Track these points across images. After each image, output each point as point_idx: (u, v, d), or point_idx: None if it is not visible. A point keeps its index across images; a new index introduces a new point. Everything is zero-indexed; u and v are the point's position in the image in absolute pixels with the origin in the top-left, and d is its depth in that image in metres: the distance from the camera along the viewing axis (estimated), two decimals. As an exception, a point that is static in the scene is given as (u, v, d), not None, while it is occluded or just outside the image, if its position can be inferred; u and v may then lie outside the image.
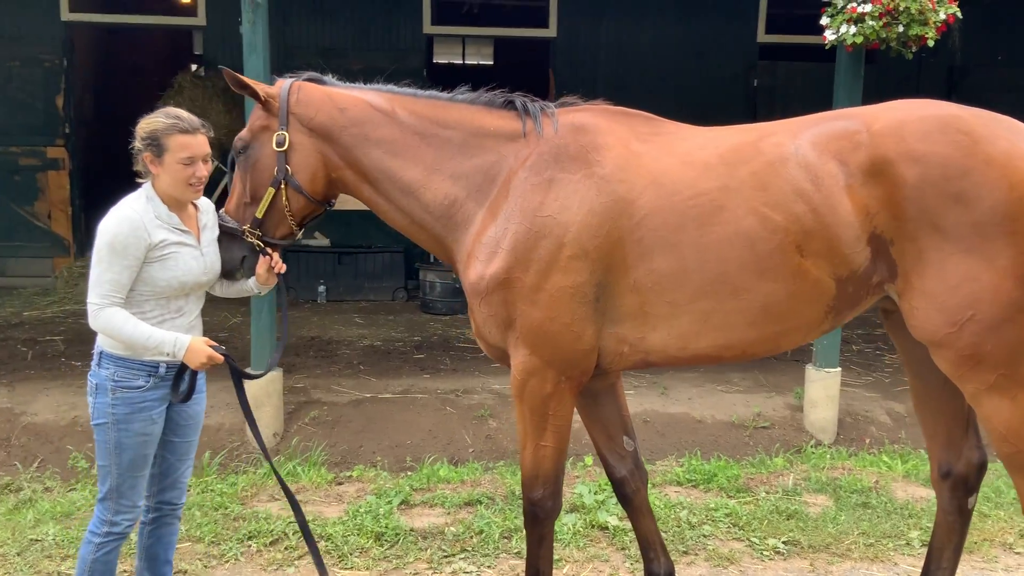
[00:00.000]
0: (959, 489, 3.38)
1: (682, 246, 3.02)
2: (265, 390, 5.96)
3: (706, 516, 4.86)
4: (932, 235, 2.83)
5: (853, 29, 5.17)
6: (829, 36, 5.34)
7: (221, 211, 3.35)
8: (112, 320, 3.16)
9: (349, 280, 10.16)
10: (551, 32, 10.91)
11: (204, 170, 3.25)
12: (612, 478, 3.63)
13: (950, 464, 3.36)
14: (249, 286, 3.51)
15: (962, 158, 2.81)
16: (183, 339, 3.24)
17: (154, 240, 3.19)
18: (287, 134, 3.25)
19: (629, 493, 3.60)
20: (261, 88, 3.30)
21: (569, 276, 3.08)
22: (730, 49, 10.92)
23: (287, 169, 3.25)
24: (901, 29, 5.07)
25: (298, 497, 5.06)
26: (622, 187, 3.07)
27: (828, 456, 5.90)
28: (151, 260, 3.21)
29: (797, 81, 10.69)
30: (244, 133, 3.34)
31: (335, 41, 10.58)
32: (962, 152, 2.81)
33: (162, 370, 3.32)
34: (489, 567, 4.33)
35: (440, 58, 16.08)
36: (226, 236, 3.35)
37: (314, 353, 7.83)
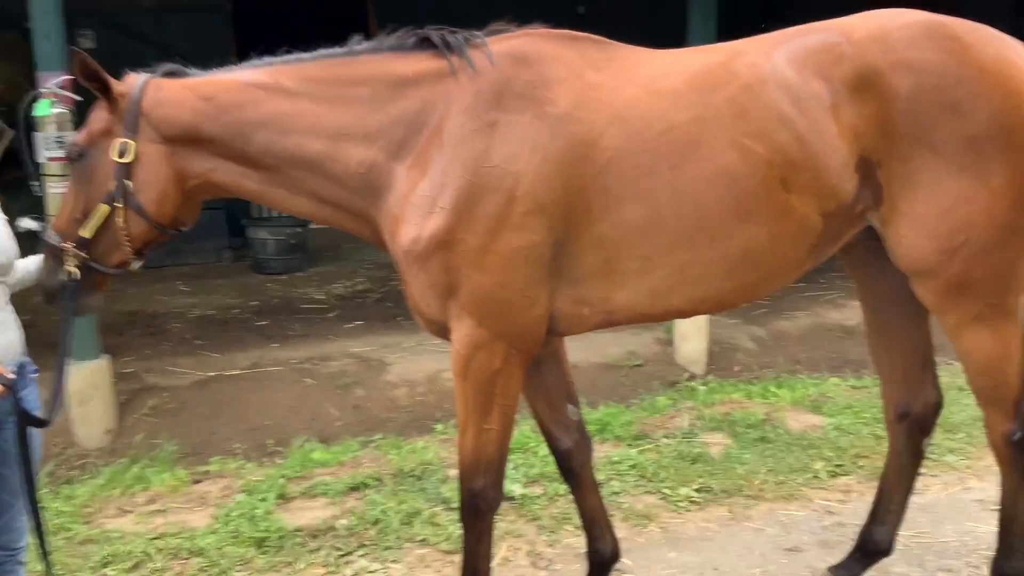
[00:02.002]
0: (915, 430, 3.22)
1: (655, 191, 2.62)
2: (90, 381, 5.14)
3: (612, 471, 4.57)
4: (924, 153, 2.56)
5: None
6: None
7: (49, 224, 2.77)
8: None
9: (165, 242, 9.13)
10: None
11: None
12: (556, 451, 3.24)
13: (908, 405, 3.19)
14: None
15: (956, 65, 2.55)
16: None
17: None
18: (132, 143, 2.67)
19: (576, 467, 3.23)
20: (114, 85, 2.69)
21: (523, 235, 2.63)
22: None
23: (127, 185, 2.68)
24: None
25: (154, 506, 4.40)
26: (581, 127, 2.63)
27: (712, 391, 5.77)
28: None
29: (625, 5, 10.44)
30: (81, 137, 2.74)
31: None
32: (955, 59, 2.56)
33: None
34: (395, 561, 3.86)
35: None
36: (49, 254, 2.80)
37: (139, 330, 6.93)
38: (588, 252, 2.72)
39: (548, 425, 3.23)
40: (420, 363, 6.22)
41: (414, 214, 2.68)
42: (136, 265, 2.84)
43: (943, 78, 2.55)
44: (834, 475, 4.51)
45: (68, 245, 2.71)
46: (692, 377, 6.32)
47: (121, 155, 2.66)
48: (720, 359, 6.53)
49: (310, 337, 6.79)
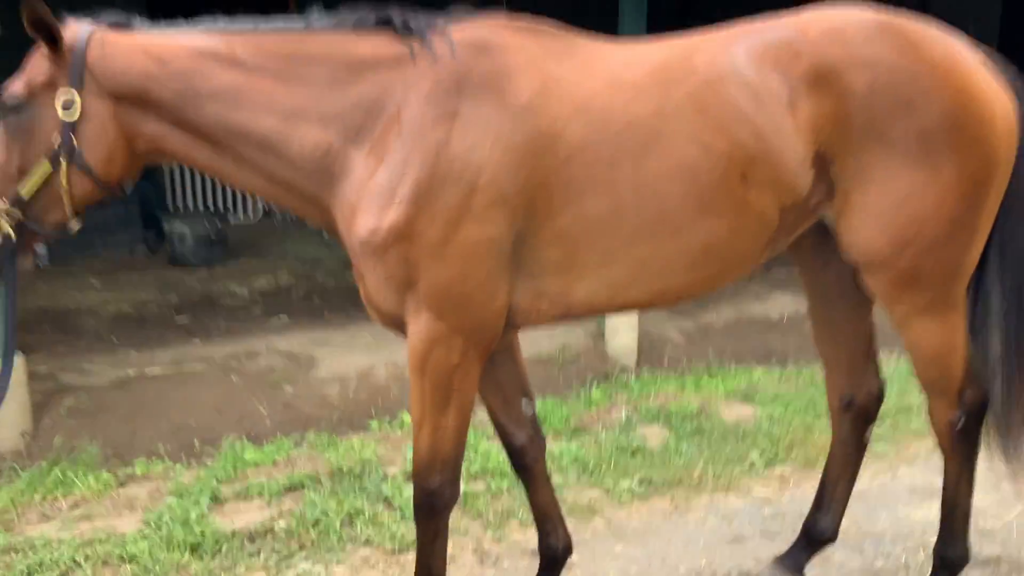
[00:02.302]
0: (859, 420, 3.28)
1: (616, 184, 2.60)
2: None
3: (553, 465, 4.54)
4: (878, 148, 2.60)
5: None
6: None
7: None
8: None
9: (75, 235, 8.73)
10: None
11: None
12: (510, 447, 3.20)
13: (852, 394, 3.25)
14: None
15: (909, 63, 2.59)
16: None
17: None
18: (78, 99, 2.50)
19: (529, 463, 3.20)
20: (64, 34, 2.51)
21: (484, 227, 2.57)
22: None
23: (73, 143, 2.51)
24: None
25: (79, 511, 4.19)
26: (544, 119, 2.58)
27: (645, 383, 5.81)
28: None
29: None
30: (18, 87, 2.52)
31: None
32: (908, 57, 2.60)
33: None
34: (339, 562, 3.75)
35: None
36: None
37: (51, 328, 6.61)
38: (548, 245, 2.69)
39: (501, 420, 3.19)
40: (351, 359, 6.09)
41: (372, 204, 2.60)
42: (75, 227, 2.66)
43: (898, 74, 2.59)
44: (770, 464, 4.59)
45: (1, 204, 2.51)
46: (624, 370, 6.37)
47: (66, 109, 2.49)
48: (650, 352, 6.60)
49: (234, 333, 6.59)
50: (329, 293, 7.67)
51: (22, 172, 2.52)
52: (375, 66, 2.64)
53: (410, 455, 4.61)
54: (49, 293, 7.42)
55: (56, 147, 2.50)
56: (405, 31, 2.68)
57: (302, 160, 2.65)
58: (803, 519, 3.51)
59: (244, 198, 10.34)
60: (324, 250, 8.82)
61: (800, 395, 5.42)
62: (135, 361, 5.93)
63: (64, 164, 2.51)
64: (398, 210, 2.57)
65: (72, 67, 2.49)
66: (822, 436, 4.89)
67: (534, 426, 3.22)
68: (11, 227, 2.53)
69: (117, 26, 2.62)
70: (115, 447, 5.02)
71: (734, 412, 5.28)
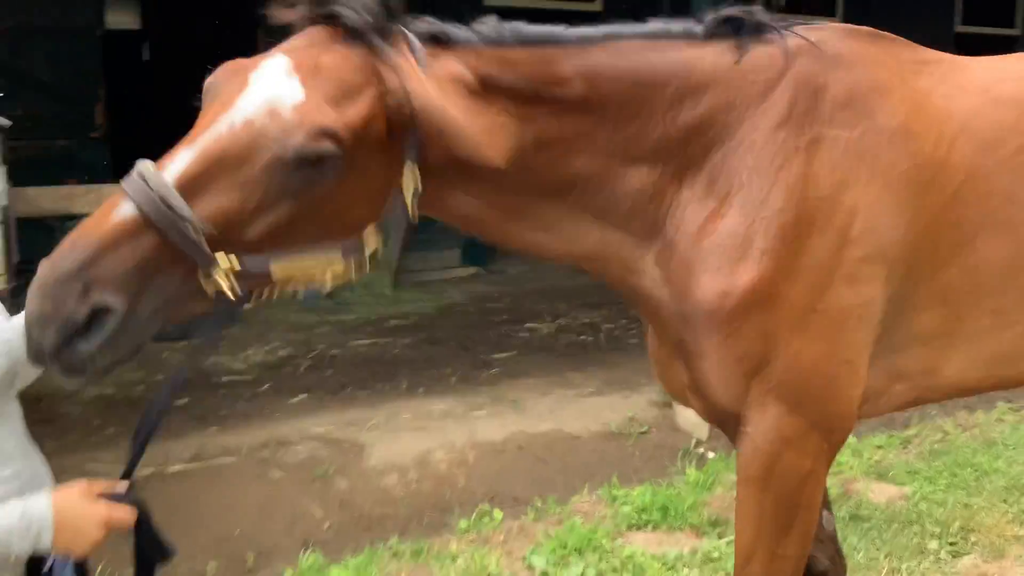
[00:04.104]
0: None
1: (1017, 223, 2.01)
2: None
3: (724, 575, 3.81)
4: None
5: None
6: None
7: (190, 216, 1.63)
8: None
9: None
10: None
11: None
12: (810, 572, 2.48)
13: None
14: None
15: None
16: (36, 506, 1.76)
17: None
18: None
19: (832, 598, 2.50)
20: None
21: (856, 289, 1.98)
22: None
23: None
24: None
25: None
26: (925, 144, 2.01)
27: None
28: None
29: None
30: (331, 122, 1.68)
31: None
32: None
33: None
34: None
35: None
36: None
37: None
38: (925, 309, 2.08)
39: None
40: (402, 443, 5.26)
41: (719, 259, 1.93)
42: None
43: None
44: (957, 556, 3.98)
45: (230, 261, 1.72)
46: (698, 443, 5.72)
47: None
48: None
49: (251, 417, 5.65)
50: (341, 364, 6.78)
51: (302, 238, 1.77)
52: (713, 83, 1.97)
53: (537, 562, 3.87)
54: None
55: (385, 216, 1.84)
56: (736, 33, 2.02)
57: (617, 210, 1.96)
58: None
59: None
60: (311, 315, 7.93)
61: (934, 466, 4.85)
62: (147, 457, 4.89)
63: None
64: (758, 266, 1.92)
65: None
66: (986, 516, 4.35)
67: (834, 543, 2.54)
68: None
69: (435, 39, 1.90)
70: (149, 568, 4.04)
71: (881, 493, 4.65)
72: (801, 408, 2.00)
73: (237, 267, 1.68)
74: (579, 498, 4.72)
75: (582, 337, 7.81)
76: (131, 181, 1.63)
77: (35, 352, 1.62)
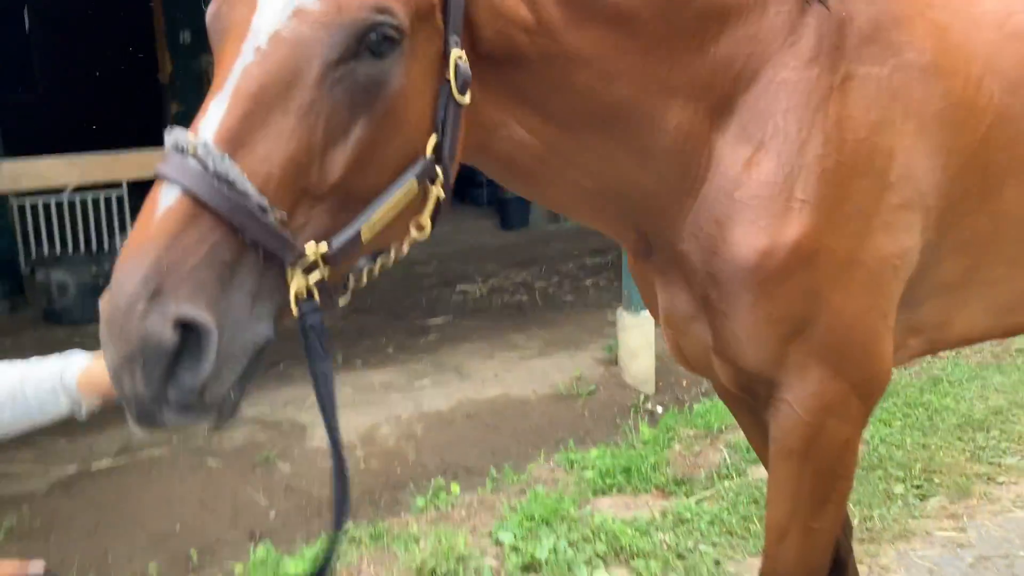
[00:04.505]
0: None
1: None
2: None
3: (699, 537, 3.69)
4: None
5: None
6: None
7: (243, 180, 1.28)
8: None
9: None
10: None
11: None
12: None
13: None
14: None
15: None
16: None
17: None
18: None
19: (843, 555, 2.38)
20: None
21: (895, 237, 1.81)
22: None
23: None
24: None
25: None
26: (955, 81, 1.85)
27: (703, 414, 5.07)
28: None
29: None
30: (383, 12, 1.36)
31: None
32: None
33: None
34: None
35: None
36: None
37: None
38: (947, 259, 1.95)
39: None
40: (345, 419, 4.84)
41: (755, 212, 1.74)
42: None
43: None
44: (924, 498, 3.96)
45: (309, 247, 1.34)
46: (646, 398, 5.62)
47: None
48: (665, 375, 5.88)
49: (179, 402, 5.29)
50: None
51: (363, 185, 1.40)
52: (739, 13, 1.76)
53: (505, 537, 3.70)
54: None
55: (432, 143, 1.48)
56: None
57: (655, 148, 1.75)
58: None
59: (124, 234, 8.74)
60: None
61: (886, 407, 4.84)
62: (70, 453, 4.56)
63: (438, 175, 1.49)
64: (803, 219, 1.73)
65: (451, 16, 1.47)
66: (946, 455, 4.36)
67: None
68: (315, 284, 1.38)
69: None
70: (83, 572, 3.73)
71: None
72: (843, 371, 1.83)
73: (325, 249, 1.35)
74: (536, 465, 4.55)
75: (517, 297, 7.64)
76: (172, 161, 1.28)
77: (137, 410, 1.26)
